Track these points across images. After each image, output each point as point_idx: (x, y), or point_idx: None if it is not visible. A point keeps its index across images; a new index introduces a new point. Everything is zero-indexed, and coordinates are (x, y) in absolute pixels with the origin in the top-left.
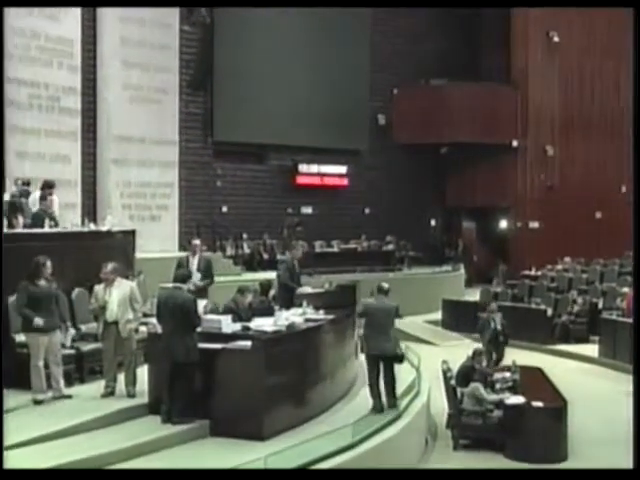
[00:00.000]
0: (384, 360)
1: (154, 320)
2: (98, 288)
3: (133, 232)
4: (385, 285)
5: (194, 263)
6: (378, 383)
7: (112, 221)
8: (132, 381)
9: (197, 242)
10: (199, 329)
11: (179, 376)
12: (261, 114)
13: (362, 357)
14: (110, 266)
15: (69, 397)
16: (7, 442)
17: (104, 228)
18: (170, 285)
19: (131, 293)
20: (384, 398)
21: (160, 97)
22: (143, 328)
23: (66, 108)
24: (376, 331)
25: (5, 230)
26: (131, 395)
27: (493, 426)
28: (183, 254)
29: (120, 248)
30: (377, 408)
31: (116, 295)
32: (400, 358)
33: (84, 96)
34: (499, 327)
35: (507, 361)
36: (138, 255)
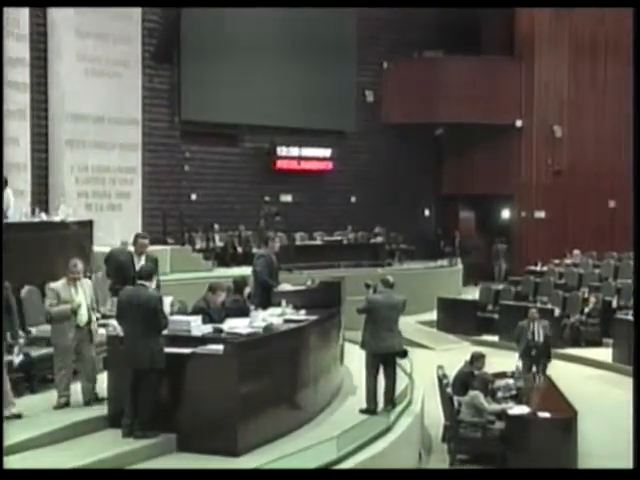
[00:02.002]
0: (389, 357)
1: (114, 322)
2: (57, 286)
3: (90, 223)
4: (390, 278)
5: (140, 264)
6: (376, 384)
7: (66, 210)
8: (93, 389)
9: (146, 241)
10: (165, 331)
11: (142, 384)
12: (235, 90)
13: (348, 362)
14: (80, 264)
15: (18, 417)
16: None
17: (57, 218)
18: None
19: (94, 293)
20: (379, 399)
21: (120, 70)
22: (102, 331)
23: (13, 82)
24: (381, 327)
25: None
26: (94, 400)
27: (494, 439)
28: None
29: (75, 241)
30: (371, 409)
31: (83, 295)
32: (405, 352)
33: (33, 69)
34: (537, 338)
35: (510, 366)
36: (96, 249)
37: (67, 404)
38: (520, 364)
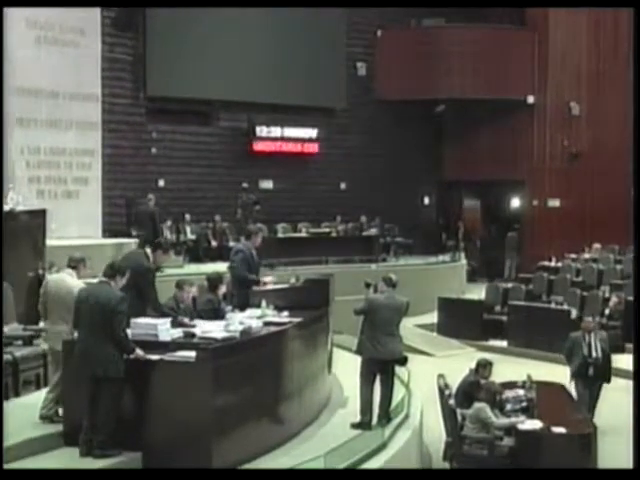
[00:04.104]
0: (388, 365)
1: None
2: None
3: (43, 212)
4: (393, 276)
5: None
6: (372, 394)
7: (15, 198)
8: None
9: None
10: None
11: (101, 396)
12: (208, 62)
13: (337, 371)
14: None
15: None
16: None
17: (5, 207)
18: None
19: None
20: (374, 412)
21: (76, 39)
22: None
23: None
24: (382, 331)
25: None
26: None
27: (502, 457)
28: (109, 241)
29: (26, 233)
30: (365, 423)
31: None
32: (405, 359)
33: None
34: (595, 354)
35: (521, 375)
36: (50, 242)
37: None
38: (573, 387)
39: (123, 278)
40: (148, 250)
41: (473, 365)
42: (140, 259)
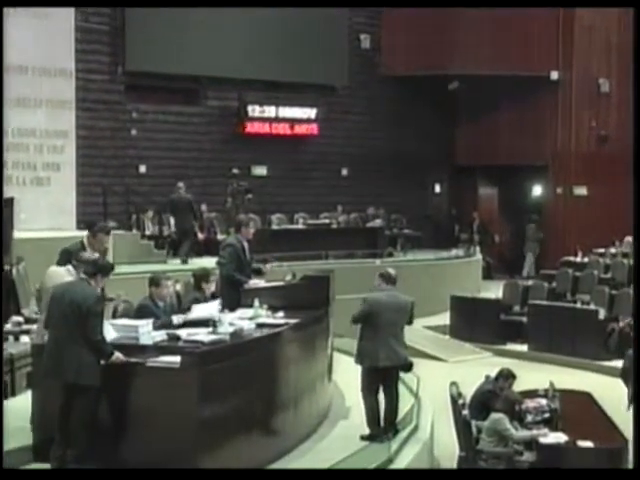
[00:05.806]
0: (392, 372)
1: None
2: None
3: (10, 201)
4: (392, 272)
5: None
6: (378, 404)
7: None
8: None
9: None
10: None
11: (74, 405)
12: (195, 33)
13: (338, 378)
14: None
15: None
16: None
17: None
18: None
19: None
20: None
21: (47, 8)
22: (26, 338)
23: None
24: (385, 334)
25: None
26: None
27: None
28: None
29: None
30: (378, 436)
31: None
32: (410, 365)
33: None
34: None
35: (543, 383)
36: (17, 235)
37: None
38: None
39: (104, 278)
40: (85, 240)
41: (489, 371)
42: (75, 249)
